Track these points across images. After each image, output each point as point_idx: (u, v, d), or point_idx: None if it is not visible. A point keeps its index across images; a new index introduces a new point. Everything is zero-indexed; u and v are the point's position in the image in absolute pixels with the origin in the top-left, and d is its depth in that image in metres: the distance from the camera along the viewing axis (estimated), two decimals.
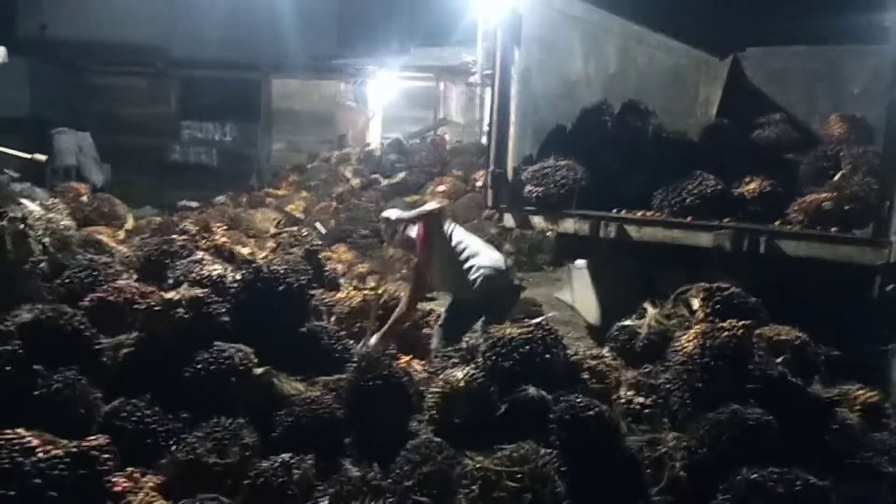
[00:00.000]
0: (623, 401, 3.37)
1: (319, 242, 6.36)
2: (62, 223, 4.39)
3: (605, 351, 3.78)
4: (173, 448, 3.34)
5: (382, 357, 3.90)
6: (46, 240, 4.03)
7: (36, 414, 3.22)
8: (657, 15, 7.76)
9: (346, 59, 18.38)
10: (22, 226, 3.82)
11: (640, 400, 3.33)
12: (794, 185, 5.53)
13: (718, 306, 3.66)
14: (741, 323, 3.26)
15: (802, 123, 7.29)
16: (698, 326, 3.41)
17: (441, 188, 10.60)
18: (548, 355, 3.47)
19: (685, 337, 3.37)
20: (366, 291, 5.80)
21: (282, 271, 4.16)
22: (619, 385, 3.47)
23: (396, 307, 5.53)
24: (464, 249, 4.97)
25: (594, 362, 3.62)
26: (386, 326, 5.14)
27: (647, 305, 3.79)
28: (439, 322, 5.29)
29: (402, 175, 10.98)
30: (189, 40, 18.31)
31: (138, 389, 3.63)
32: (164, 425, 3.52)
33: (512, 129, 5.80)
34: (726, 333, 3.21)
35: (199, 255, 4.60)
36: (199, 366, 3.69)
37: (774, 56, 8.79)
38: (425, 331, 5.75)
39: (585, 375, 3.57)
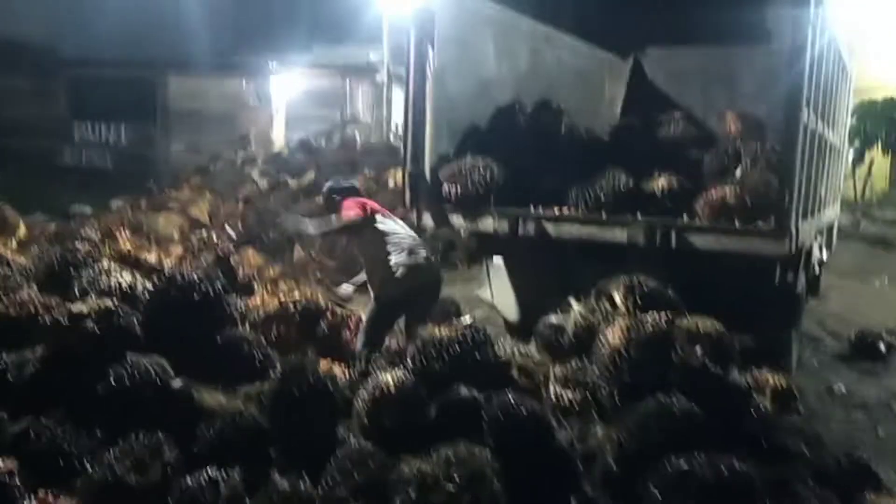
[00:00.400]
0: (553, 397, 3.40)
1: (230, 247, 6.15)
2: None
3: (532, 347, 3.81)
4: (89, 468, 3.15)
5: (305, 363, 3.80)
6: None
7: None
8: (563, 16, 7.94)
9: (247, 57, 17.97)
10: None
11: (569, 395, 3.38)
12: (699, 181, 5.73)
13: (640, 300, 3.75)
14: (663, 316, 3.36)
15: (700, 121, 7.58)
16: (622, 320, 3.49)
17: None
18: (478, 355, 3.47)
19: (610, 331, 3.44)
20: (283, 298, 5.65)
21: (196, 278, 3.99)
22: (547, 381, 3.51)
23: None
24: (392, 243, 4.94)
25: (522, 360, 3.64)
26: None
27: (572, 301, 3.84)
28: (362, 324, 5.23)
29: (311, 176, 10.79)
30: (79, 39, 17.48)
31: (47, 408, 3.42)
32: (78, 444, 3.33)
33: (428, 129, 5.78)
34: (650, 326, 3.30)
35: (105, 263, 4.35)
36: (112, 380, 3.50)
37: (673, 56, 9.12)
38: (345, 333, 5.68)
39: (514, 373, 3.58)
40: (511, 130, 6.32)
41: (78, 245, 4.63)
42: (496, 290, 6.59)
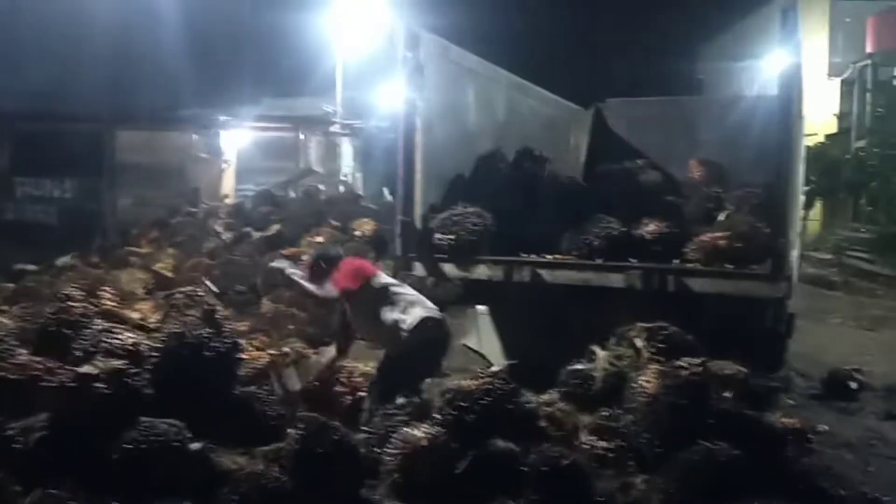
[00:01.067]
0: (586, 446, 3.36)
1: (216, 302, 5.96)
2: None
3: (554, 395, 3.77)
4: None
5: (326, 421, 3.68)
6: None
7: None
8: (532, 69, 8.15)
9: (196, 110, 17.77)
10: None
11: (604, 444, 3.34)
12: (682, 226, 5.86)
13: (662, 345, 3.77)
14: (697, 361, 3.38)
15: (662, 167, 7.79)
16: (653, 367, 3.49)
17: (318, 239, 10.33)
18: (510, 405, 3.42)
19: (643, 378, 3.43)
20: (272, 351, 5.51)
21: (206, 335, 3.85)
22: (577, 430, 3.47)
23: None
24: (397, 301, 4.80)
25: (549, 409, 3.60)
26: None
27: (596, 348, 3.83)
28: (372, 380, 5.08)
29: (276, 227, 10.61)
30: (19, 93, 17.01)
31: (57, 477, 3.21)
32: None
33: (418, 178, 5.79)
34: (686, 372, 3.31)
35: (101, 322, 4.16)
36: (127, 445, 3.32)
37: (633, 106, 9.47)
38: (337, 389, 5.54)
39: (543, 423, 3.53)
40: (495, 179, 6.39)
41: (72, 304, 4.40)
42: (484, 338, 6.55)
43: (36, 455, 3.29)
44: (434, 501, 3.22)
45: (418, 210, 5.80)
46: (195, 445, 3.43)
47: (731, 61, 22.56)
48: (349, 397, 5.56)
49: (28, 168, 16.77)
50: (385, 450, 3.47)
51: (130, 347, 3.86)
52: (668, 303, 5.16)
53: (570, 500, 3.06)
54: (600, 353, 3.76)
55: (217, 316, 5.69)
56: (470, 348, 6.62)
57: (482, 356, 6.63)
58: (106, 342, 3.81)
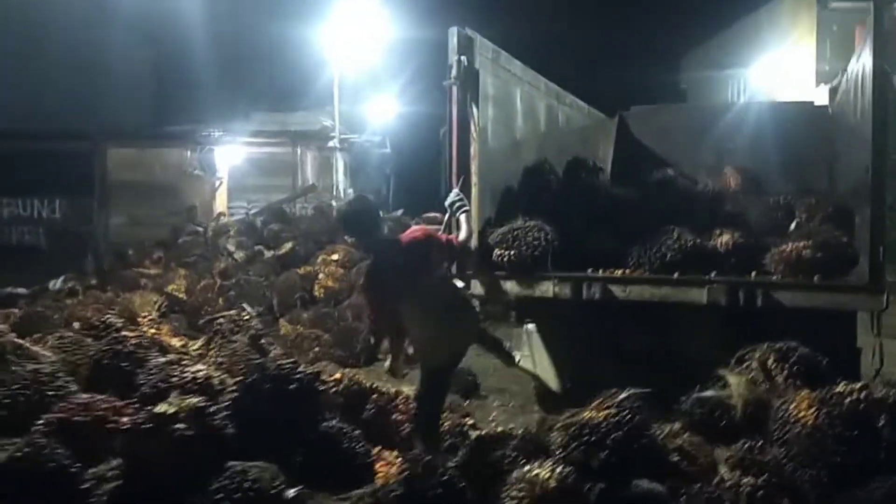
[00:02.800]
0: (729, 482, 3.01)
1: (261, 326, 5.55)
2: None
3: (678, 426, 3.42)
4: None
5: (432, 461, 3.30)
6: None
7: None
8: (562, 77, 7.85)
9: (188, 126, 17.36)
10: None
11: (750, 480, 2.99)
12: (754, 236, 5.57)
13: (796, 367, 3.44)
14: (857, 385, 3.05)
15: (691, 176, 7.51)
16: (803, 393, 3.15)
17: (334, 256, 9.95)
18: (644, 440, 3.06)
19: (794, 406, 3.09)
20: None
21: (288, 366, 3.46)
22: (714, 465, 3.12)
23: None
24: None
25: (677, 441, 3.25)
26: None
27: (726, 373, 3.48)
28: (416, 398, 4.71)
29: (288, 245, 10.21)
30: (4, 111, 16.46)
31: None
32: None
33: (474, 191, 5.42)
34: (849, 399, 2.98)
35: (160, 354, 3.75)
36: (218, 495, 2.91)
37: (658, 114, 9.20)
38: (395, 416, 5.15)
39: (675, 458, 3.18)
40: (546, 190, 6.06)
41: (127, 334, 3.97)
42: (538, 358, 6.19)
43: None
44: None
45: (475, 225, 5.43)
46: (292, 492, 3.03)
47: (714, 70, 22.64)
48: (409, 425, 5.21)
49: (14, 188, 16.19)
50: (505, 490, 3.08)
51: (201, 381, 3.45)
52: (749, 319, 4.85)
53: None
54: (732, 378, 3.41)
55: (263, 342, 5.36)
56: (524, 369, 6.26)
57: (537, 377, 6.28)
58: (175, 376, 3.39)
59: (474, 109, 5.41)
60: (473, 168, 5.44)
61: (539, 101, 6.83)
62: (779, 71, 20.13)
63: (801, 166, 7.25)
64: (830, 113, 7.49)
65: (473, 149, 5.43)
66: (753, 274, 5.12)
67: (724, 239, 5.35)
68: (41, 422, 3.11)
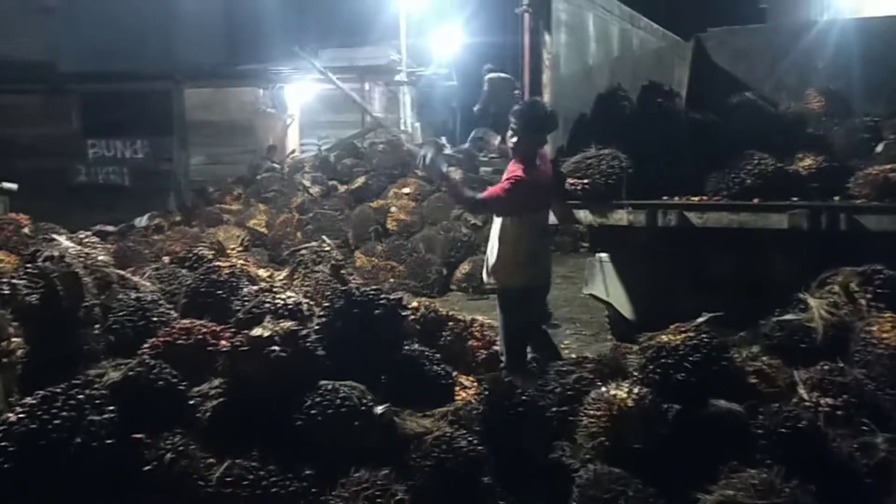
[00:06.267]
0: (809, 403, 3.04)
1: (341, 257, 5.74)
2: (100, 258, 3.65)
3: (756, 349, 3.44)
4: None
5: (511, 379, 3.43)
6: (88, 280, 3.30)
7: (149, 493, 2.58)
8: None
9: (259, 65, 17.51)
10: (66, 266, 3.11)
11: (829, 401, 3.01)
12: (839, 159, 5.41)
13: (880, 291, 3.40)
14: None
15: (771, 99, 7.24)
16: (887, 315, 3.13)
17: (405, 190, 10.09)
18: (723, 362, 3.10)
19: (877, 328, 3.08)
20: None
21: (372, 292, 3.60)
22: (793, 386, 3.14)
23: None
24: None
25: (755, 364, 3.28)
26: None
27: (807, 297, 3.47)
28: (498, 329, 4.86)
29: (361, 180, 10.39)
30: (80, 53, 16.91)
31: (238, 445, 3.02)
32: (287, 487, 2.93)
33: None
34: None
35: (250, 283, 3.95)
36: (312, 411, 3.11)
37: (736, 35, 8.83)
38: (471, 343, 5.31)
39: (753, 380, 3.22)
40: (620, 117, 5.97)
41: (220, 264, 4.19)
42: (610, 287, 6.22)
43: (216, 423, 3.10)
44: (648, 467, 2.94)
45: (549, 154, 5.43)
46: (380, 409, 3.20)
47: None
48: (483, 351, 5.36)
49: (99, 130, 16.77)
50: (583, 410, 3.19)
51: (292, 307, 3.63)
52: (833, 245, 4.75)
53: (810, 463, 2.75)
54: (813, 301, 3.40)
55: (343, 272, 5.54)
56: (597, 297, 6.32)
57: (610, 306, 6.33)
58: (268, 303, 3.58)
59: (546, 36, 5.36)
60: (546, 96, 5.41)
61: (612, 26, 6.68)
62: None
63: (889, 86, 6.92)
64: None
65: (546, 77, 5.40)
66: (837, 198, 5.02)
67: (806, 163, 5.23)
68: (147, 345, 3.35)
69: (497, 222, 4.78)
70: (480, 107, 14.53)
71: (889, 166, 4.88)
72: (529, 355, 4.85)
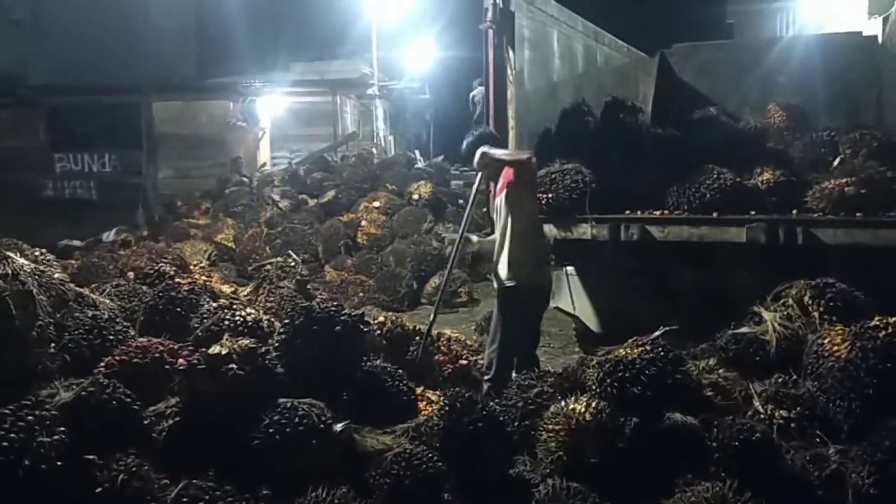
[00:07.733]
0: (764, 416, 3.08)
1: (307, 272, 5.73)
2: (55, 276, 3.60)
3: (712, 362, 3.49)
4: None
5: (472, 395, 3.43)
6: (43, 298, 3.26)
7: None
8: (602, 15, 7.71)
9: (230, 79, 17.46)
10: (19, 284, 3.06)
11: (783, 413, 3.05)
12: (796, 173, 5.50)
13: (832, 304, 3.46)
14: (893, 320, 3.07)
15: (735, 114, 7.36)
16: (837, 328, 3.19)
17: (376, 204, 10.09)
18: (679, 375, 3.14)
19: (828, 340, 3.13)
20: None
21: (333, 308, 3.60)
22: (748, 399, 3.18)
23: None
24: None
25: (711, 377, 3.32)
26: None
27: (762, 310, 3.52)
28: (491, 338, 4.83)
29: (331, 193, 10.37)
30: (48, 66, 16.76)
31: (194, 465, 2.99)
32: None
33: (511, 134, 5.46)
34: (884, 333, 3.00)
35: (211, 299, 3.92)
36: (270, 429, 3.09)
37: (701, 51, 8.97)
38: (438, 357, 5.31)
39: (709, 393, 3.25)
40: (584, 132, 6.04)
41: (180, 281, 4.16)
42: (577, 301, 6.27)
43: (172, 443, 3.07)
44: (606, 481, 2.96)
45: None
46: (339, 426, 3.19)
47: (763, 2, 21.75)
48: (449, 366, 5.36)
49: (66, 143, 16.58)
50: (542, 424, 3.20)
51: (252, 324, 3.61)
52: (791, 258, 4.83)
53: (763, 476, 2.78)
54: (767, 314, 3.45)
55: (309, 287, 5.52)
56: (563, 311, 6.36)
57: (577, 319, 6.37)
58: (228, 320, 3.56)
59: (510, 53, 5.41)
60: (510, 111, 5.46)
61: (577, 42, 6.76)
62: (829, 2, 19.31)
63: (849, 100, 7.07)
64: (880, 43, 7.26)
65: (510, 92, 5.45)
66: (795, 212, 5.11)
67: (765, 177, 5.31)
68: (103, 364, 3.31)
69: (503, 227, 4.73)
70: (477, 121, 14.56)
71: (844, 180, 4.97)
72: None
